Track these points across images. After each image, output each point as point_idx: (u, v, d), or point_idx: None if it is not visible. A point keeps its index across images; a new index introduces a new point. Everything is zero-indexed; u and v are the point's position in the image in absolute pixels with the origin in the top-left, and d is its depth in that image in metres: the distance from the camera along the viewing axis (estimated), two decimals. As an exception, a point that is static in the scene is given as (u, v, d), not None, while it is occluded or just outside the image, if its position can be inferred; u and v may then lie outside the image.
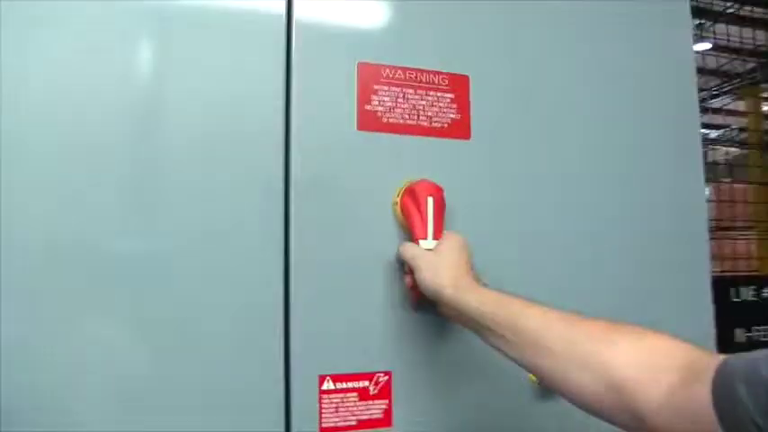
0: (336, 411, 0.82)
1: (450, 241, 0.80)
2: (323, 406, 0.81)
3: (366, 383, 0.83)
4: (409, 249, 0.81)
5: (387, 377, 0.84)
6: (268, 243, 0.80)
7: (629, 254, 0.98)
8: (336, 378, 0.82)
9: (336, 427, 0.82)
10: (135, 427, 0.74)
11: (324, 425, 0.81)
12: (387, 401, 0.84)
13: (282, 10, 0.83)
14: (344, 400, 0.82)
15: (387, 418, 0.84)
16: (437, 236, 0.81)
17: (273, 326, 0.80)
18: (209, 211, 0.78)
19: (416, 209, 0.81)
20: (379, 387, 0.83)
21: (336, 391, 0.82)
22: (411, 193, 0.82)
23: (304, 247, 0.82)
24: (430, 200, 0.81)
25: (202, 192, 0.78)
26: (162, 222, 0.77)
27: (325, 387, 0.81)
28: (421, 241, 0.81)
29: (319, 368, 0.82)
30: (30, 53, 0.73)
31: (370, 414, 0.83)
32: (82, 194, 0.74)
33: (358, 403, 0.83)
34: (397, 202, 0.84)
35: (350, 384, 0.82)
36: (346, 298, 0.83)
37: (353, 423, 0.83)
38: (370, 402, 0.83)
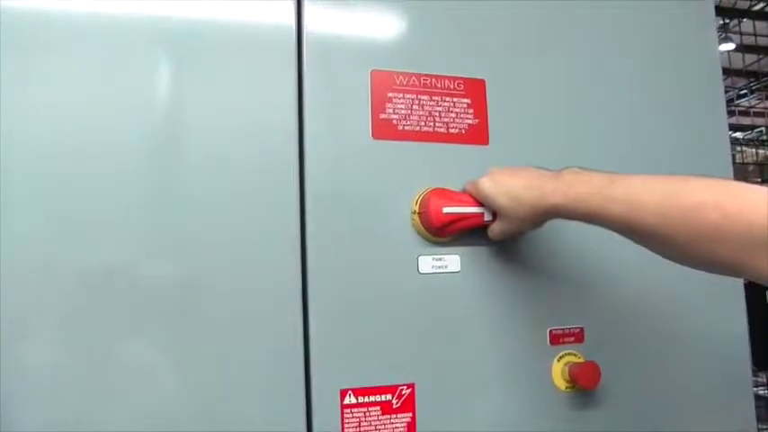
0: (359, 426, 0.80)
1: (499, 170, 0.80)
2: (345, 421, 0.80)
3: (389, 397, 0.81)
4: (481, 185, 0.79)
5: (410, 390, 0.82)
6: (286, 257, 0.79)
7: (660, 260, 0.95)
8: (358, 392, 0.80)
9: (359, 443, 0.80)
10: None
11: (346, 440, 0.80)
12: (410, 414, 0.82)
13: (292, 21, 0.83)
14: (367, 414, 0.80)
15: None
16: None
17: (293, 340, 0.79)
18: (228, 229, 0.77)
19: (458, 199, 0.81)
20: (402, 400, 0.82)
21: (359, 405, 0.80)
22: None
23: (322, 260, 0.80)
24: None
25: (221, 211, 0.77)
26: (184, 244, 0.76)
27: (347, 401, 0.80)
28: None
29: (341, 382, 0.80)
30: (46, 84, 0.73)
31: (394, 428, 0.81)
32: (107, 220, 0.73)
33: (381, 417, 0.81)
34: (415, 211, 0.83)
35: (372, 398, 0.81)
36: (366, 310, 0.81)
37: (377, 438, 0.81)
38: (394, 416, 0.81)
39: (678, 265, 0.88)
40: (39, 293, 0.71)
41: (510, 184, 0.78)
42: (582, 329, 0.89)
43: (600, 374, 0.85)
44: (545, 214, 0.76)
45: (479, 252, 0.85)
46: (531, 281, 0.88)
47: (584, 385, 0.84)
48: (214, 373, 0.76)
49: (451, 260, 0.84)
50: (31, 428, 0.69)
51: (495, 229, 0.81)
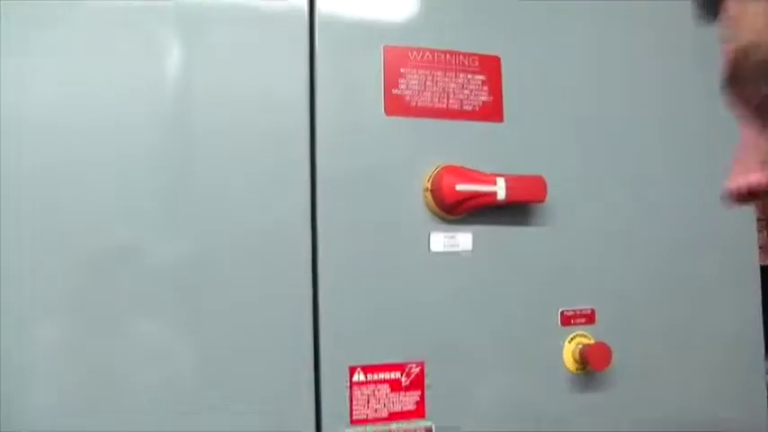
0: (368, 403, 0.80)
1: None
2: (354, 398, 0.79)
3: (398, 375, 0.81)
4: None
5: (419, 368, 0.82)
6: (296, 233, 0.79)
7: (674, 242, 0.94)
8: (367, 369, 0.80)
9: (367, 419, 0.80)
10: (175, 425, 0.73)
11: (355, 417, 0.79)
12: (419, 393, 0.81)
13: (305, -4, 0.81)
14: (376, 392, 0.80)
15: (419, 410, 0.82)
16: None
17: (302, 318, 0.78)
18: (239, 207, 0.77)
19: None
20: (411, 378, 0.81)
21: (367, 382, 0.80)
22: None
23: (332, 237, 0.80)
24: None
25: (232, 189, 0.77)
26: (195, 219, 0.76)
27: (356, 379, 0.79)
28: None
29: (350, 359, 0.80)
30: (55, 60, 0.73)
31: (402, 406, 0.81)
32: (123, 201, 0.73)
33: (390, 395, 0.81)
34: (427, 188, 0.82)
35: (381, 376, 0.80)
36: (376, 287, 0.81)
37: (385, 415, 0.80)
38: (402, 394, 0.81)
39: (692, 250, 0.87)
40: (52, 272, 0.70)
41: None
42: (593, 311, 0.88)
43: (611, 356, 0.84)
44: None
45: (492, 231, 0.84)
46: (544, 261, 0.87)
47: (594, 367, 0.84)
48: (224, 349, 0.76)
49: (463, 238, 0.83)
50: (46, 402, 0.70)
51: None
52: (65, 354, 0.71)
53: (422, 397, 0.82)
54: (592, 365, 0.84)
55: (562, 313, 0.87)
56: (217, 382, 0.75)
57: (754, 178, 0.48)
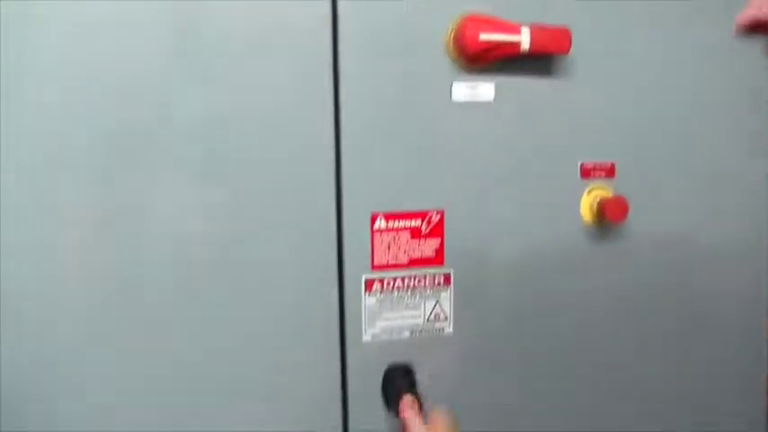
0: (388, 249, 0.82)
1: None
2: (375, 244, 0.82)
3: (419, 222, 0.83)
4: None
5: (439, 216, 0.83)
6: (320, 86, 0.78)
7: (697, 99, 0.92)
8: (389, 216, 0.82)
9: (388, 265, 0.82)
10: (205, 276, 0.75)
11: (376, 263, 0.82)
12: (439, 240, 0.84)
13: None
14: (396, 238, 0.82)
15: (439, 257, 0.84)
16: None
17: (325, 166, 0.79)
18: (262, 61, 0.76)
19: None
20: (431, 226, 0.83)
21: (389, 229, 0.82)
22: None
23: (354, 84, 0.79)
24: None
25: (255, 43, 0.76)
26: (215, 78, 0.75)
27: (377, 226, 0.81)
28: None
29: (372, 206, 0.81)
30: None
31: (422, 252, 0.83)
32: (144, 64, 0.72)
33: (410, 241, 0.83)
34: (450, 38, 0.80)
35: (402, 223, 0.82)
36: (398, 136, 0.81)
37: (405, 261, 0.83)
38: (422, 241, 0.83)
39: (714, 106, 0.86)
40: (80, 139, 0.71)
41: None
42: (613, 164, 0.88)
43: (627, 209, 0.85)
44: None
45: (514, 82, 0.84)
46: (566, 114, 0.86)
47: (611, 218, 0.85)
48: (251, 201, 0.78)
49: (486, 88, 0.83)
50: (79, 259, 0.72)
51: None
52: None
53: (441, 244, 0.84)
54: (609, 217, 0.85)
55: (582, 166, 0.87)
56: (245, 231, 0.77)
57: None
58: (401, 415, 0.77)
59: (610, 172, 0.88)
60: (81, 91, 0.71)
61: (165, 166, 0.74)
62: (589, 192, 0.88)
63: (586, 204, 0.88)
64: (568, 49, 0.81)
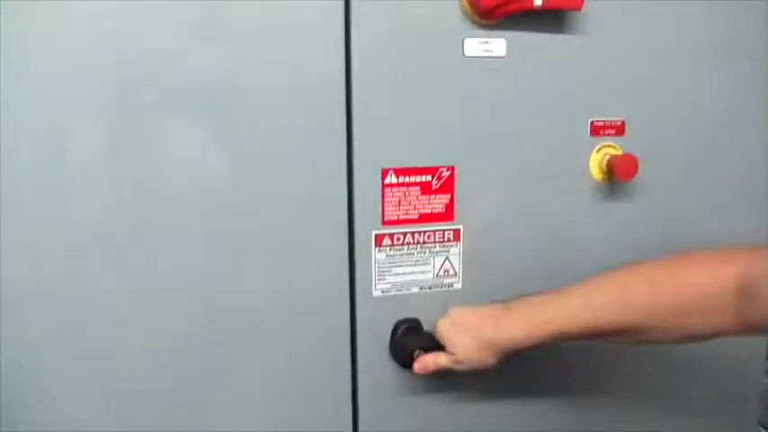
0: (399, 205, 0.82)
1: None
2: (386, 199, 0.82)
3: (429, 177, 0.83)
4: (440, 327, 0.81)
5: (449, 172, 0.84)
6: (330, 39, 0.78)
7: (710, 58, 0.92)
8: (399, 172, 0.82)
9: (398, 220, 0.83)
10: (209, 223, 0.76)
11: (386, 218, 0.82)
12: (449, 196, 0.84)
13: None
14: (407, 193, 0.83)
15: (449, 213, 0.84)
16: None
17: (335, 121, 0.79)
18: (273, 16, 0.76)
19: None
20: (441, 182, 0.83)
21: (399, 184, 0.82)
22: None
23: (366, 39, 0.79)
24: None
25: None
26: (231, 31, 0.75)
27: (387, 181, 0.82)
28: None
29: (382, 161, 0.81)
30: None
31: (432, 208, 0.84)
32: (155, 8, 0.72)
33: (420, 197, 0.83)
34: (462, -8, 0.80)
35: (412, 178, 0.82)
36: (410, 91, 0.81)
37: (415, 216, 0.83)
38: (433, 197, 0.83)
39: (726, 67, 0.86)
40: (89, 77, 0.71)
41: (466, 322, 0.78)
42: (623, 122, 0.88)
43: (637, 167, 0.85)
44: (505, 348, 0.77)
45: (527, 38, 0.83)
46: (577, 70, 0.86)
47: (620, 176, 0.85)
48: (257, 160, 0.78)
49: (497, 44, 0.83)
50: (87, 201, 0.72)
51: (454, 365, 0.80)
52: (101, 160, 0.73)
53: (451, 200, 0.84)
54: (618, 175, 0.85)
55: (592, 123, 0.87)
56: (249, 186, 0.78)
57: None
58: (417, 371, 0.80)
59: (620, 130, 0.88)
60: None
61: (178, 114, 0.74)
62: (598, 150, 0.88)
63: (595, 162, 0.88)
64: (581, 5, 0.81)
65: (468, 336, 0.77)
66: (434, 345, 0.81)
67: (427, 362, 0.80)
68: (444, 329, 0.79)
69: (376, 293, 0.84)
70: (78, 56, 0.70)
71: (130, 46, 0.72)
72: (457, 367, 0.79)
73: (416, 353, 0.81)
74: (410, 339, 0.83)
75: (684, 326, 0.68)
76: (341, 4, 0.77)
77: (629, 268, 0.72)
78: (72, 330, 0.75)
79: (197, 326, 0.79)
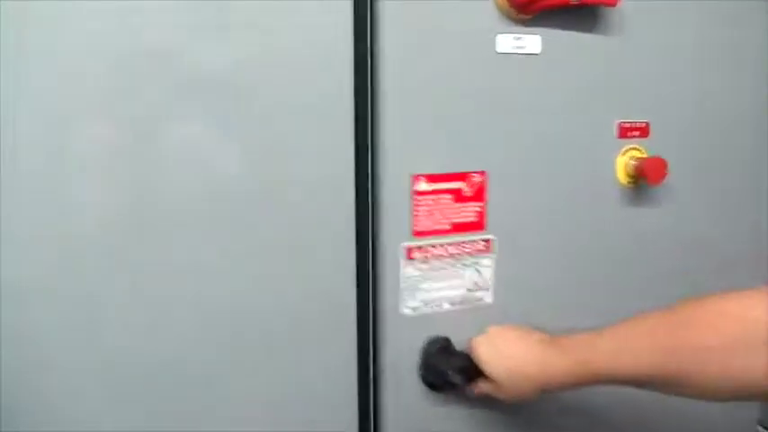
0: (430, 213, 0.76)
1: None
2: (416, 207, 0.75)
3: (461, 184, 0.77)
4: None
5: (481, 178, 0.78)
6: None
7: (736, 62, 0.91)
8: (430, 178, 0.75)
9: (431, 231, 0.76)
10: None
11: (417, 228, 0.75)
12: (481, 204, 0.78)
13: None
14: (438, 201, 0.76)
15: (480, 222, 0.79)
16: None
17: (340, 121, 0.72)
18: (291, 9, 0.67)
19: None
20: (474, 189, 0.77)
21: (430, 192, 0.76)
22: None
23: (393, 32, 0.72)
24: None
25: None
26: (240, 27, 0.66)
27: (418, 188, 0.75)
28: None
29: (413, 167, 0.75)
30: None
31: (465, 216, 0.78)
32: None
33: (453, 205, 0.77)
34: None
35: (444, 185, 0.76)
36: (440, 92, 0.75)
37: (447, 226, 0.77)
38: (465, 204, 0.77)
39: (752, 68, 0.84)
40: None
41: (511, 354, 0.72)
42: (647, 124, 0.85)
43: (666, 170, 0.82)
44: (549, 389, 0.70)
45: (561, 35, 0.79)
46: (608, 69, 0.83)
47: (651, 180, 0.82)
48: (269, 156, 0.70)
49: (531, 41, 0.78)
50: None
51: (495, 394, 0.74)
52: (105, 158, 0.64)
53: (483, 208, 0.78)
54: (648, 179, 0.82)
55: (619, 125, 0.84)
56: (259, 189, 0.70)
57: None
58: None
59: (644, 132, 0.85)
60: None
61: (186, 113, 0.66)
62: (624, 152, 0.85)
63: (621, 165, 0.85)
64: (616, 2, 0.77)
65: (514, 371, 0.71)
66: (471, 366, 0.74)
67: (481, 389, 0.74)
68: (485, 355, 0.73)
69: (406, 311, 0.76)
70: (78, 55, 0.62)
71: (131, 44, 0.63)
72: (499, 397, 0.73)
73: (455, 376, 0.74)
74: (445, 361, 0.76)
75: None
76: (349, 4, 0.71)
77: (667, 309, 0.65)
78: (72, 330, 0.65)
79: (200, 327, 0.70)
